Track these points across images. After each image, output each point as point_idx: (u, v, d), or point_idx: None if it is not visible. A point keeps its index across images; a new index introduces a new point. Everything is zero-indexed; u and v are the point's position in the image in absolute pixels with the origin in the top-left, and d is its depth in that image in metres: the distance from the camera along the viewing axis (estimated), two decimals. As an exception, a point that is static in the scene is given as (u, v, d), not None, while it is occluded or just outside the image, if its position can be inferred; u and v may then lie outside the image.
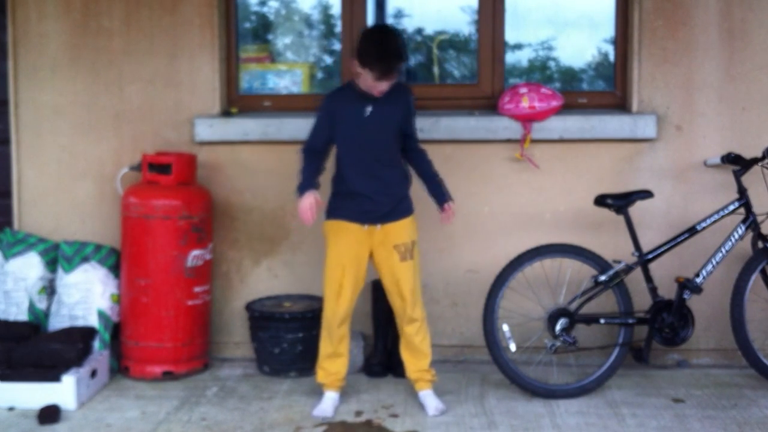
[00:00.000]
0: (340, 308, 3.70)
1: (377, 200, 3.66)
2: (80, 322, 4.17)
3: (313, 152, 3.74)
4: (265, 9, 4.79)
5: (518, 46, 4.60)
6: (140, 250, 4.12)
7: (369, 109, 3.64)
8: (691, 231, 4.01)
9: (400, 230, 3.70)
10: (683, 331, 3.96)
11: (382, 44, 3.54)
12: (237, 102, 4.60)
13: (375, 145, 3.66)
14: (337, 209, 3.74)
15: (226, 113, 4.53)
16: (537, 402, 3.84)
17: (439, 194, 3.78)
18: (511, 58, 4.59)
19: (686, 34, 4.30)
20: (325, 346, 3.78)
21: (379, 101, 3.63)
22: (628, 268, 3.93)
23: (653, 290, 3.98)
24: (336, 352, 3.77)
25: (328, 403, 3.74)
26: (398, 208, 3.71)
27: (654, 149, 4.34)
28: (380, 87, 3.58)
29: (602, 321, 3.98)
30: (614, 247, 4.19)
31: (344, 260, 3.68)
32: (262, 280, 4.52)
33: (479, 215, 4.39)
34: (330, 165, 3.80)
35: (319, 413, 3.70)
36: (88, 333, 4.08)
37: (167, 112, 4.49)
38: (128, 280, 4.18)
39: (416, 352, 3.79)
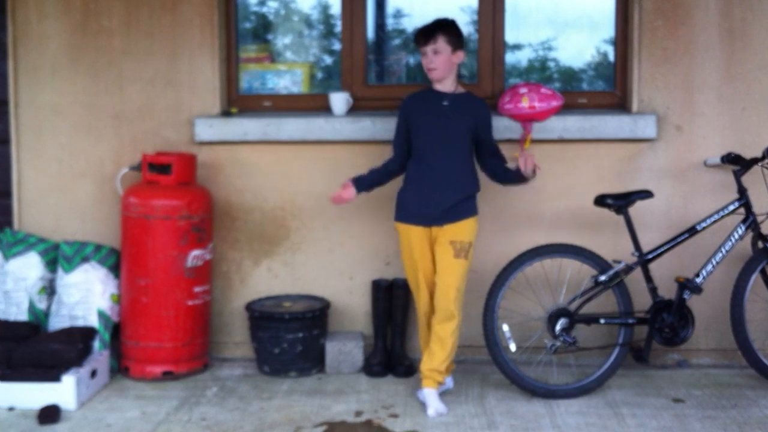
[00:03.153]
0: (423, 300, 3.85)
1: (439, 193, 3.77)
2: (80, 322, 4.17)
3: (392, 157, 3.95)
4: (265, 9, 4.79)
5: (518, 46, 4.61)
6: (140, 250, 4.13)
7: (445, 103, 3.83)
8: (691, 231, 4.02)
9: (460, 228, 3.77)
10: (683, 331, 3.96)
11: (432, 21, 3.85)
12: (237, 102, 4.61)
13: (447, 140, 3.81)
14: (401, 209, 3.88)
15: (226, 113, 4.53)
16: (537, 402, 3.84)
17: (513, 171, 3.86)
18: (511, 58, 4.59)
19: (686, 34, 4.30)
20: (421, 337, 3.93)
21: (453, 102, 3.82)
22: (628, 268, 3.93)
23: (653, 290, 3.98)
24: (427, 342, 3.86)
25: (430, 399, 3.76)
26: (460, 207, 3.80)
27: (654, 149, 4.34)
28: (428, 61, 3.77)
29: (602, 321, 3.98)
30: (614, 247, 4.19)
31: (414, 260, 3.82)
32: (262, 280, 4.52)
33: (479, 215, 4.38)
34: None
35: (433, 414, 3.69)
36: (88, 333, 4.08)
37: (167, 112, 4.49)
38: (128, 280, 4.19)
39: (438, 350, 3.76)
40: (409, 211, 3.83)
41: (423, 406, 3.75)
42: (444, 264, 3.75)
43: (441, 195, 3.77)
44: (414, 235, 3.81)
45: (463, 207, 3.81)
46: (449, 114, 3.82)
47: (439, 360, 3.76)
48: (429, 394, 3.76)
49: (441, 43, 3.78)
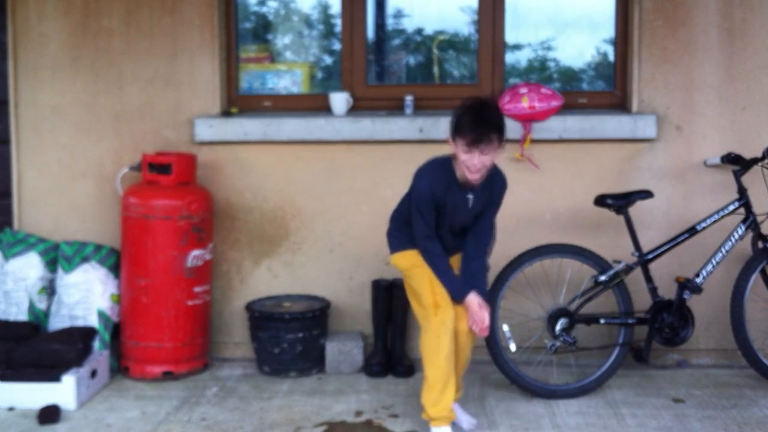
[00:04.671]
0: (447, 317, 3.34)
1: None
2: (80, 322, 4.17)
3: (434, 239, 3.40)
4: (265, 9, 4.79)
5: (518, 47, 4.61)
6: (140, 250, 4.12)
7: (469, 196, 3.36)
8: (691, 231, 4.01)
9: None
10: (683, 331, 3.96)
11: (478, 112, 3.22)
12: (237, 102, 4.60)
13: (456, 225, 3.44)
14: (404, 242, 3.50)
15: (226, 113, 4.53)
16: (537, 402, 3.84)
17: (462, 281, 3.39)
18: (511, 58, 4.59)
19: (686, 34, 4.30)
20: (444, 369, 3.41)
21: (476, 194, 3.35)
22: (628, 268, 3.93)
23: (653, 290, 3.98)
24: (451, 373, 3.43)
25: (460, 414, 3.54)
26: None
27: (654, 149, 4.34)
28: (473, 163, 3.20)
29: (602, 321, 3.98)
30: (614, 247, 4.19)
31: (432, 279, 3.39)
32: (262, 280, 4.52)
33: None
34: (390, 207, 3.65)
35: (469, 426, 3.52)
36: (88, 333, 4.08)
37: (167, 112, 4.49)
38: (128, 280, 4.18)
39: (458, 365, 3.48)
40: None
41: (460, 426, 3.57)
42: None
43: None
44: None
45: None
46: (471, 206, 3.39)
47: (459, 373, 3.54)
48: (454, 409, 3.52)
49: (495, 144, 3.22)
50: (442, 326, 3.32)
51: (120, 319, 4.25)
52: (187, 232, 4.14)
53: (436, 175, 3.34)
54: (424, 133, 4.25)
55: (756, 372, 4.02)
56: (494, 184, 3.40)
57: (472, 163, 3.21)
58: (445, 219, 3.40)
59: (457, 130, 3.22)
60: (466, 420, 3.56)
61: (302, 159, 4.45)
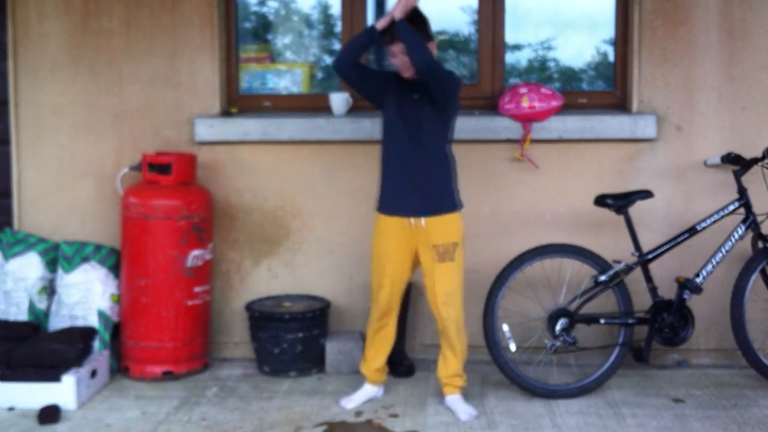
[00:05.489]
0: (379, 302, 3.77)
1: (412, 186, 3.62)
2: (80, 322, 4.17)
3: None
4: (265, 9, 4.79)
5: (518, 47, 4.61)
6: (140, 250, 4.12)
7: (416, 97, 3.64)
8: (691, 231, 4.01)
9: (442, 229, 3.64)
10: (683, 331, 3.96)
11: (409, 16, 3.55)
12: (237, 102, 4.61)
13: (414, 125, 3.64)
14: (380, 200, 3.74)
15: (226, 113, 4.53)
16: (537, 402, 3.84)
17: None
18: (511, 58, 4.59)
19: (686, 34, 4.30)
20: (366, 336, 3.89)
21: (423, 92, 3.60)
22: (628, 268, 3.93)
23: (653, 290, 3.98)
24: (373, 344, 3.85)
25: (356, 395, 3.84)
26: (441, 202, 3.65)
27: (654, 149, 4.34)
28: (396, 61, 3.60)
29: (602, 321, 3.98)
30: (614, 247, 4.19)
31: (382, 258, 3.72)
32: (262, 280, 4.52)
33: (479, 215, 4.39)
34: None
35: (343, 403, 3.80)
36: (88, 333, 4.08)
37: (167, 112, 4.49)
38: (128, 280, 4.18)
39: (444, 357, 3.77)
40: (388, 201, 3.70)
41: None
42: (431, 270, 3.67)
43: (412, 191, 3.65)
44: (391, 229, 3.68)
45: (442, 202, 3.66)
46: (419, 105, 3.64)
47: (454, 365, 3.74)
48: (454, 401, 3.74)
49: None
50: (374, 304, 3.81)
51: (120, 319, 4.25)
52: (187, 232, 4.14)
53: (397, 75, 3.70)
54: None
55: (756, 372, 4.02)
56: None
57: (399, 62, 3.60)
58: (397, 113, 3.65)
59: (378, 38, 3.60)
60: (463, 410, 3.66)
61: (302, 159, 4.45)
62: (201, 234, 4.20)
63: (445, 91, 3.57)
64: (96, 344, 4.12)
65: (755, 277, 4.00)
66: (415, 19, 3.55)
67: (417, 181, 3.61)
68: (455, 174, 3.71)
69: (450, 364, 3.75)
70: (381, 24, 3.54)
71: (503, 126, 4.32)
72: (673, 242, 4.01)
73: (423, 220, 3.62)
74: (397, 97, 3.66)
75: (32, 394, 3.75)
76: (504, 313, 3.96)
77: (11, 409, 3.78)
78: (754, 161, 4.03)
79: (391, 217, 3.67)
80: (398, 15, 3.48)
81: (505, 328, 3.93)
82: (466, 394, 3.91)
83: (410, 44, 3.46)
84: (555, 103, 4.29)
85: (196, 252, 4.17)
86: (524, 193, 4.38)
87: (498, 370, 3.94)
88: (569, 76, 4.67)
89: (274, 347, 4.22)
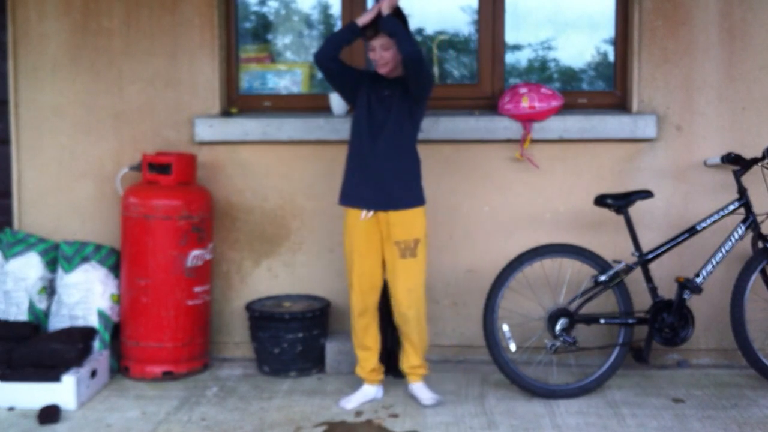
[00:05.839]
0: (355, 299, 3.79)
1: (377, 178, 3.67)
2: (80, 322, 4.17)
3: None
4: (265, 9, 4.79)
5: (518, 47, 4.60)
6: (140, 250, 4.13)
7: (386, 93, 3.70)
8: (691, 231, 4.01)
9: (404, 225, 3.68)
10: (683, 331, 3.96)
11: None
12: (237, 102, 4.61)
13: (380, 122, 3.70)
14: (341, 191, 3.78)
15: (226, 113, 4.53)
16: (537, 402, 3.84)
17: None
18: (511, 58, 4.59)
19: (686, 34, 4.30)
20: (353, 337, 3.90)
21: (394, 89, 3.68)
22: (628, 268, 3.93)
23: (653, 290, 3.98)
24: (361, 344, 3.86)
25: (356, 395, 3.85)
26: (402, 197, 3.69)
27: (654, 149, 4.34)
28: (373, 55, 3.66)
29: (602, 321, 3.98)
30: (614, 247, 4.19)
31: (351, 254, 3.77)
32: (262, 280, 4.52)
33: (479, 215, 4.39)
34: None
35: (342, 403, 3.81)
36: (88, 333, 4.08)
37: (167, 112, 4.49)
38: (128, 280, 4.19)
39: (406, 352, 3.87)
40: (351, 192, 3.75)
41: (415, 398, 3.84)
42: (393, 266, 3.73)
43: (377, 183, 3.69)
44: (358, 222, 3.73)
45: (406, 196, 3.70)
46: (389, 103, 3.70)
47: (414, 358, 3.85)
48: (417, 388, 3.85)
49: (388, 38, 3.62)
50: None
51: (120, 319, 4.26)
52: (187, 232, 4.14)
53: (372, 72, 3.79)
54: (424, 132, 4.23)
55: (756, 372, 4.02)
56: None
57: (376, 57, 3.65)
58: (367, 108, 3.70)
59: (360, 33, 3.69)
60: (426, 396, 3.78)
61: (302, 159, 4.45)
62: (201, 234, 4.20)
63: (423, 87, 3.67)
64: (96, 344, 4.12)
65: (755, 277, 4.00)
66: (399, 15, 3.66)
67: (378, 175, 3.66)
68: (419, 171, 3.76)
69: (411, 358, 3.85)
70: (363, 20, 3.64)
71: (503, 126, 4.32)
72: (673, 242, 4.01)
73: (372, 213, 3.68)
74: (368, 93, 3.73)
75: (32, 394, 3.75)
76: (504, 313, 3.96)
77: (11, 409, 3.78)
78: (754, 161, 4.03)
79: (354, 210, 3.72)
80: (386, 10, 3.59)
81: (505, 328, 3.93)
82: (466, 395, 3.92)
83: (400, 35, 3.56)
84: (555, 103, 4.29)
85: (196, 252, 4.18)
86: (524, 193, 4.38)
87: (498, 370, 3.94)
88: (569, 76, 4.67)
89: (274, 347, 4.22)
